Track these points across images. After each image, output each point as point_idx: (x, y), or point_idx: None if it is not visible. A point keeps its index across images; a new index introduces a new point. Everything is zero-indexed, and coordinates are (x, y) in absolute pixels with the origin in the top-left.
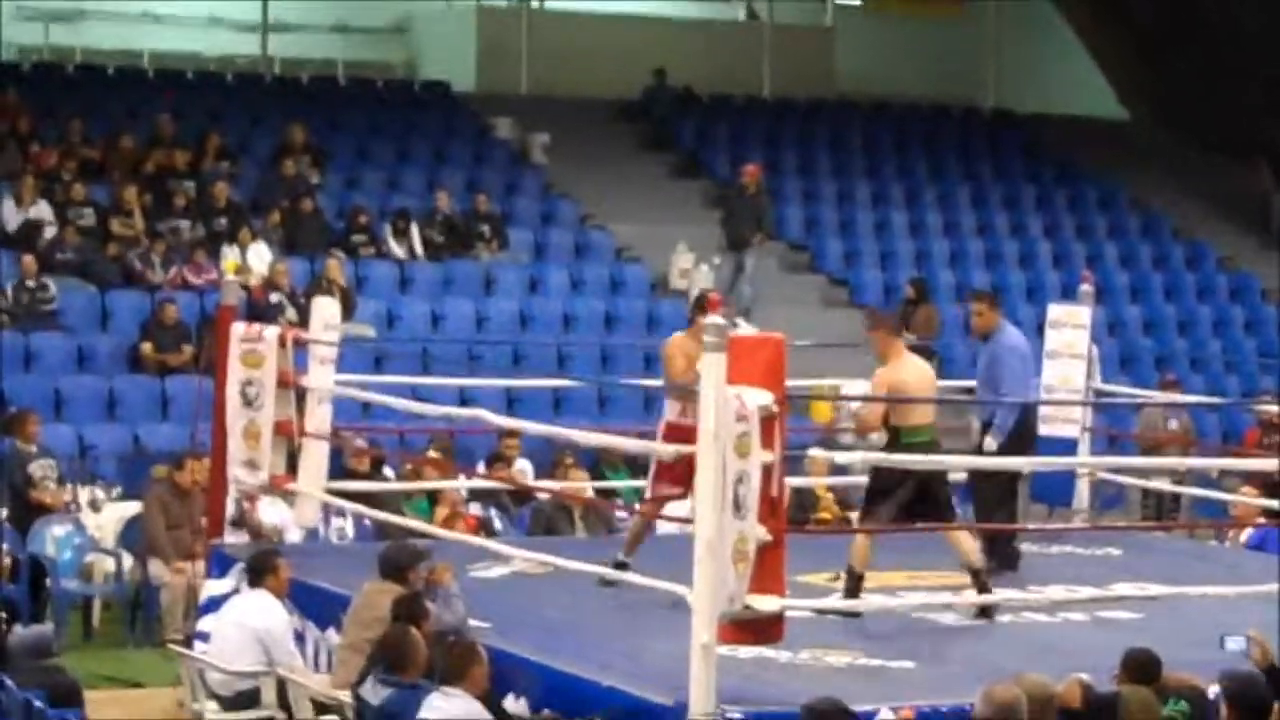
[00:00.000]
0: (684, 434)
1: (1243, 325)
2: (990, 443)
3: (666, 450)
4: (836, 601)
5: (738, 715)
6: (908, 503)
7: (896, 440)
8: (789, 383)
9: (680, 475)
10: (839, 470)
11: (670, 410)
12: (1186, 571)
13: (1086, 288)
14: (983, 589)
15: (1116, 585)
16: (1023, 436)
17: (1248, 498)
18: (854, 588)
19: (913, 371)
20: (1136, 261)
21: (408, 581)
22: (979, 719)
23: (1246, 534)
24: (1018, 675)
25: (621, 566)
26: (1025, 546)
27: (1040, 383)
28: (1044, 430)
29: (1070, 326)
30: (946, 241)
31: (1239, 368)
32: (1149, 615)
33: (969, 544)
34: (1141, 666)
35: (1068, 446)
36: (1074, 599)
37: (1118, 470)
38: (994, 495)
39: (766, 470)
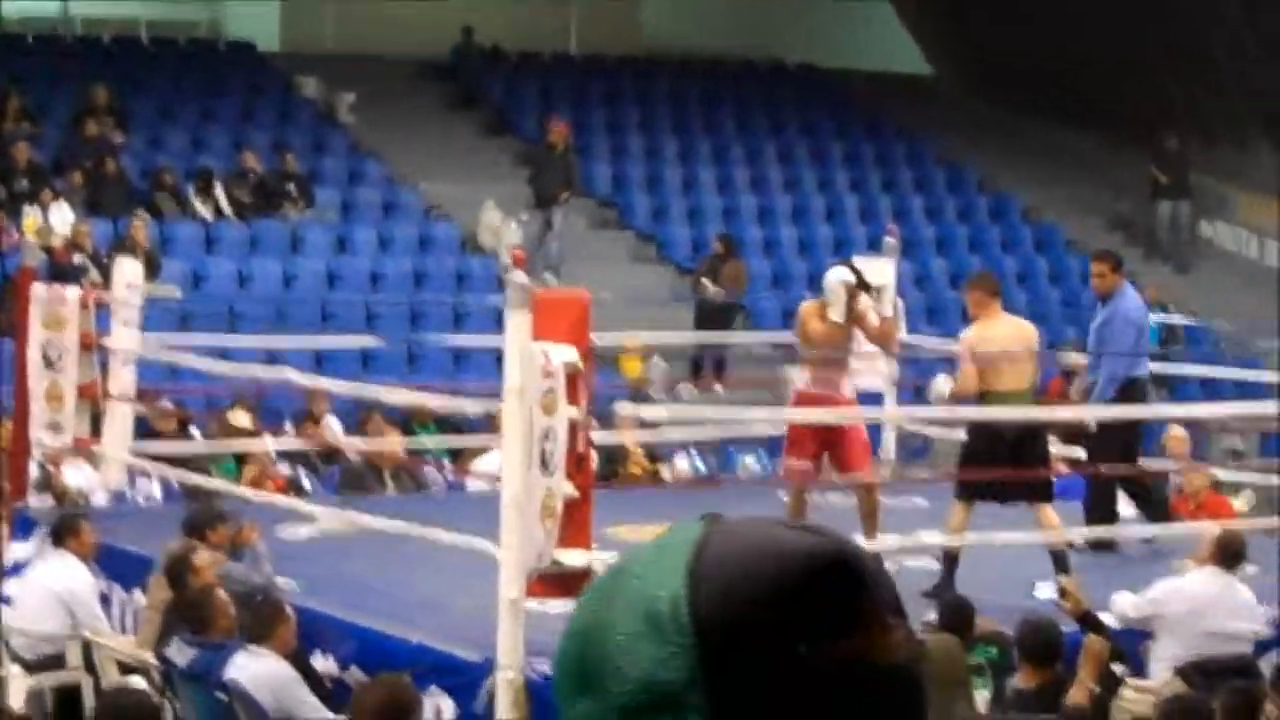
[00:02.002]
0: (814, 403)
1: (1047, 276)
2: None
3: (798, 418)
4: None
5: (546, 669)
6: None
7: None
8: (598, 339)
9: (813, 447)
10: (647, 425)
11: (800, 378)
12: (991, 520)
13: (891, 241)
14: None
15: (923, 534)
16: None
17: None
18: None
19: (1001, 330)
20: (942, 214)
21: (209, 541)
22: None
23: None
24: None
25: None
26: (831, 498)
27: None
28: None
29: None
30: (754, 197)
31: (1044, 319)
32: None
33: (1055, 522)
34: (955, 613)
35: (874, 399)
36: (881, 548)
37: (923, 421)
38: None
39: (573, 426)
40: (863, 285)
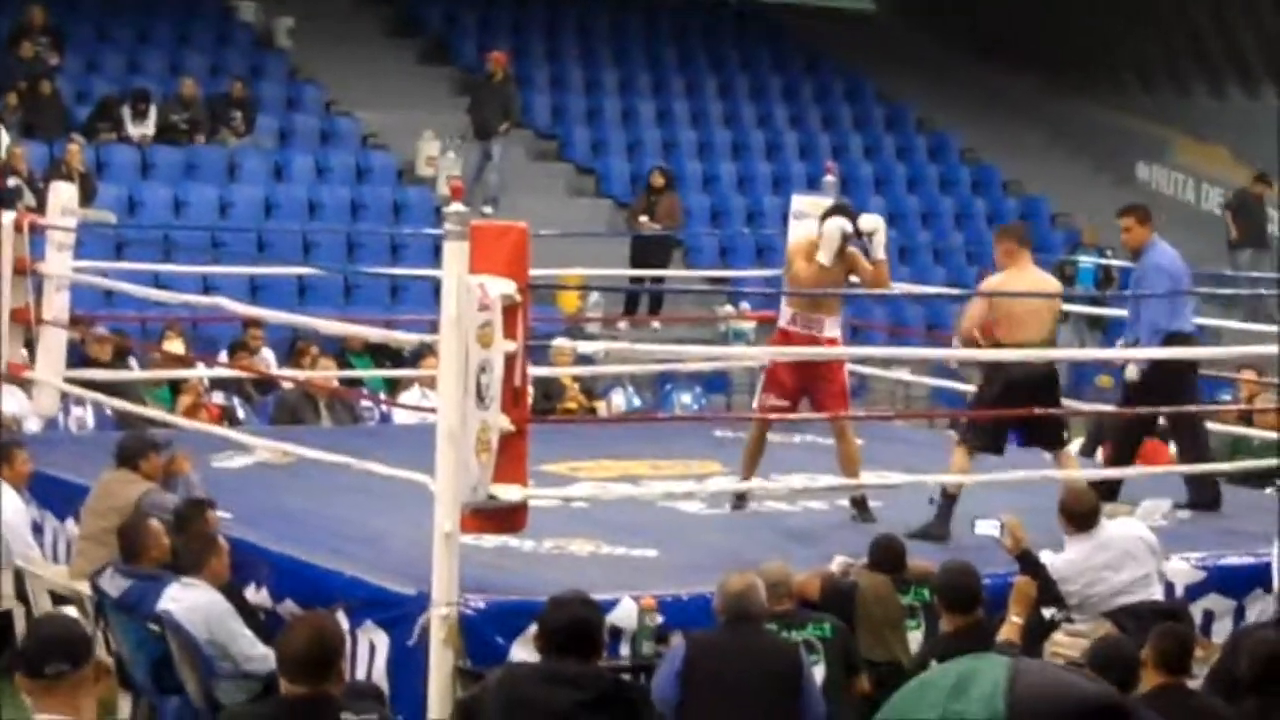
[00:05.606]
0: (795, 342)
1: (985, 217)
2: (1132, 371)
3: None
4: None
5: (480, 604)
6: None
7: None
8: (535, 272)
9: (792, 387)
10: (584, 360)
11: (783, 315)
12: (925, 460)
13: (830, 179)
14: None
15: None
16: (1169, 368)
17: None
18: (947, 509)
19: (1026, 281)
20: (880, 153)
21: (142, 470)
22: (717, 610)
23: None
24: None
25: (741, 498)
26: (771, 436)
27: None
28: None
29: (814, 217)
30: (694, 131)
31: (980, 259)
32: (887, 503)
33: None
34: (886, 554)
35: None
36: (815, 487)
37: (860, 361)
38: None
39: (509, 360)
40: (856, 232)
